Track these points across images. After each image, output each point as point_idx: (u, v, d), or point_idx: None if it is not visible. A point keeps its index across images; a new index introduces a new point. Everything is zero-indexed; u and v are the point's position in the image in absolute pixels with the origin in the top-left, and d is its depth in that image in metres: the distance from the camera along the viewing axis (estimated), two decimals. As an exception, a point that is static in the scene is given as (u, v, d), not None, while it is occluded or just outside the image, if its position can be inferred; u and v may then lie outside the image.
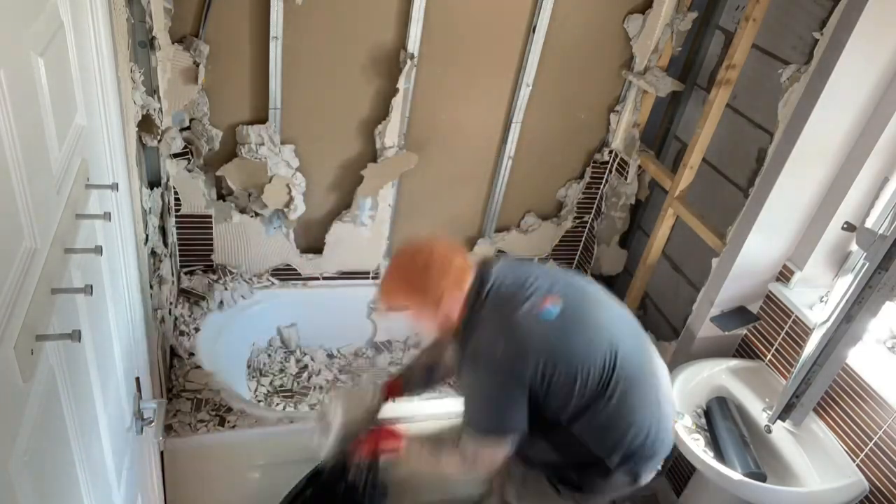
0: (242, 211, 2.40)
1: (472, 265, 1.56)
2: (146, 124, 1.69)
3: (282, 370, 2.59)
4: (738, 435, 1.90)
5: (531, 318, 1.48)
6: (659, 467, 1.65)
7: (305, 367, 2.64)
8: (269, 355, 2.62)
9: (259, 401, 2.47)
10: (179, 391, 2.05)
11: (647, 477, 1.64)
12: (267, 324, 2.60)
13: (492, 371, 1.48)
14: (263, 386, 2.53)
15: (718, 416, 1.96)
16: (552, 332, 1.47)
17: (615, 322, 1.58)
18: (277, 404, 2.48)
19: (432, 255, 1.53)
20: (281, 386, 2.55)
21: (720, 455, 1.87)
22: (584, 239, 2.94)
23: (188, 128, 2.19)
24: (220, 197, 2.37)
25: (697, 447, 1.88)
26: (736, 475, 1.78)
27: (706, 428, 1.98)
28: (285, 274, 2.60)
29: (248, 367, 2.55)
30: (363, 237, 2.59)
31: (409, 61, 2.22)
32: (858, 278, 1.65)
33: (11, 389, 0.71)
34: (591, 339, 1.50)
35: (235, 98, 2.20)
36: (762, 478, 1.80)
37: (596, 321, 1.54)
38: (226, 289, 2.45)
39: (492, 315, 1.50)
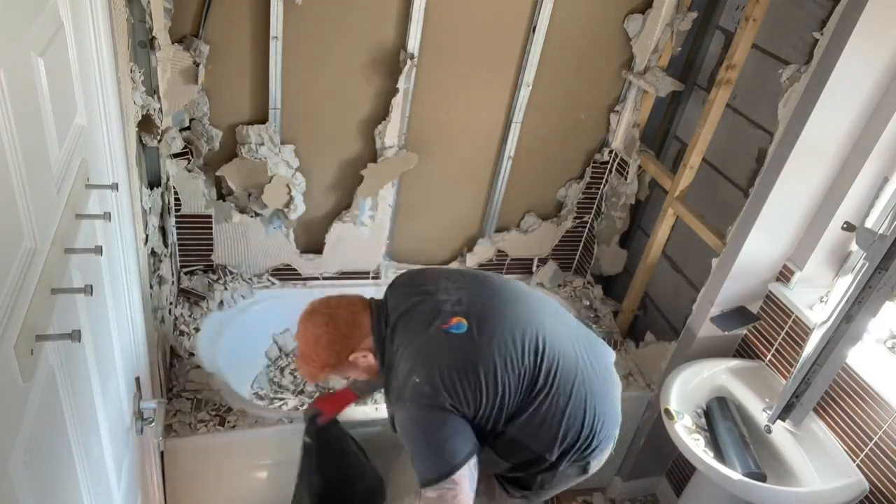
0: (242, 211, 2.40)
1: (364, 310, 1.55)
2: (146, 124, 1.69)
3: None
4: (738, 435, 1.90)
5: (441, 339, 1.45)
6: (608, 452, 1.65)
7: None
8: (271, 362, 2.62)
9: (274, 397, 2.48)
10: (179, 391, 2.05)
11: (597, 465, 1.64)
12: (267, 324, 2.59)
13: (421, 410, 1.43)
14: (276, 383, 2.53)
15: (718, 416, 1.96)
16: (466, 346, 1.45)
17: (533, 316, 1.56)
18: (282, 403, 2.48)
19: (316, 326, 1.52)
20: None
21: (720, 455, 1.87)
22: (584, 239, 2.94)
23: (188, 128, 2.19)
24: (220, 197, 2.37)
25: (698, 447, 1.88)
26: (736, 475, 1.78)
27: (706, 428, 1.98)
28: (285, 274, 2.60)
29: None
30: (363, 237, 2.59)
31: (409, 61, 2.22)
32: (858, 278, 1.66)
33: (11, 389, 0.71)
34: (507, 341, 1.47)
35: (235, 98, 2.20)
36: (762, 478, 1.80)
37: (510, 323, 1.51)
38: (226, 289, 2.45)
39: (402, 350, 1.48)
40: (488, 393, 1.45)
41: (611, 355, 1.71)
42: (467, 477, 1.43)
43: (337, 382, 2.46)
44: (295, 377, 2.58)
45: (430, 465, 1.43)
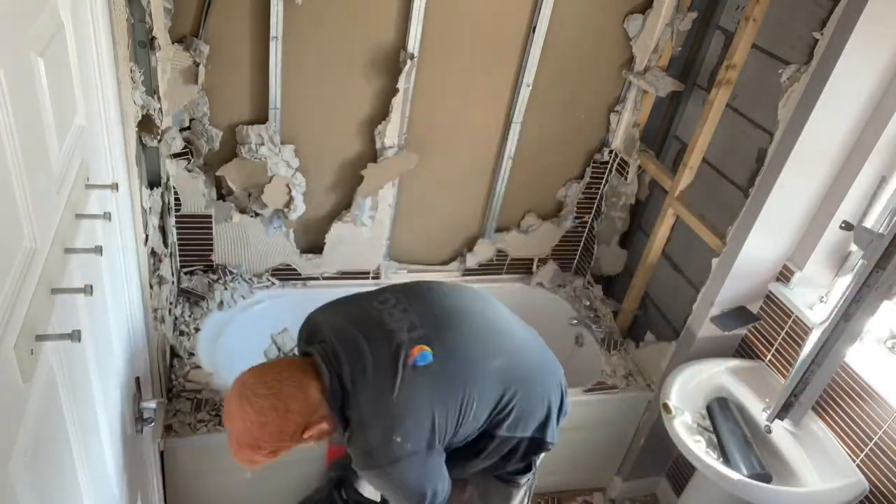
0: (242, 211, 2.40)
1: (308, 377, 1.33)
2: (146, 124, 1.69)
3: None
4: (740, 435, 1.90)
5: (411, 379, 1.32)
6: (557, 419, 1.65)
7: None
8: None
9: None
10: (179, 391, 2.05)
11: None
12: (267, 324, 2.59)
13: (401, 463, 1.32)
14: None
15: (720, 417, 1.96)
16: (438, 380, 1.35)
17: (487, 332, 1.51)
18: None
19: (256, 412, 1.27)
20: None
21: (725, 456, 1.87)
22: (584, 239, 2.94)
23: (188, 128, 2.19)
24: (220, 197, 2.37)
25: (699, 448, 1.88)
26: (736, 475, 1.78)
27: (711, 429, 1.97)
28: (285, 274, 2.60)
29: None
30: (363, 237, 2.59)
31: (409, 61, 2.22)
32: (856, 278, 1.66)
33: (11, 389, 0.71)
34: (473, 358, 1.42)
35: (235, 98, 2.20)
36: (767, 478, 1.80)
37: (468, 338, 1.44)
38: (226, 289, 2.45)
39: (372, 406, 1.33)
40: (469, 415, 1.41)
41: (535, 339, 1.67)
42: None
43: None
44: None
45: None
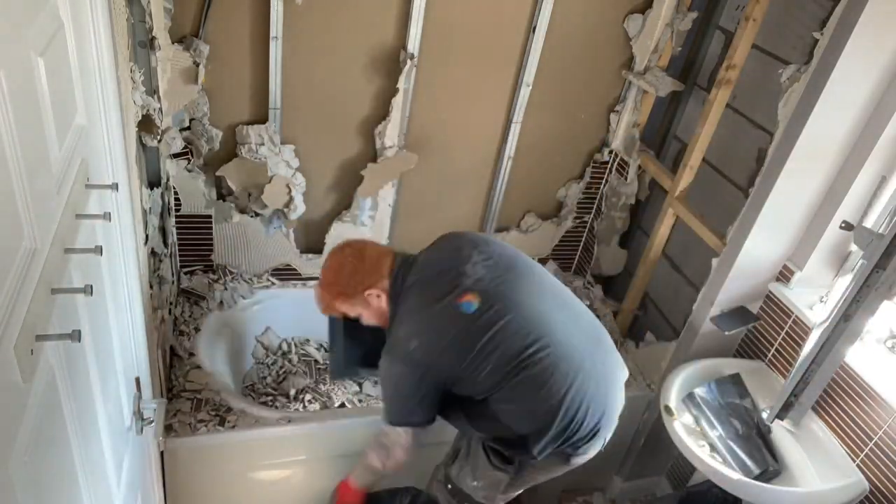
0: (242, 211, 2.40)
1: (390, 255, 1.63)
2: (146, 124, 1.69)
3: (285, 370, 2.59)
4: (748, 431, 1.90)
5: (447, 314, 1.51)
6: (596, 450, 1.67)
7: (310, 359, 2.64)
8: (263, 363, 2.61)
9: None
10: (179, 391, 2.05)
11: (581, 459, 1.65)
12: (267, 324, 2.59)
13: (405, 368, 1.54)
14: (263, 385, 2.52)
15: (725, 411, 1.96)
16: (469, 328, 1.50)
17: (547, 314, 1.58)
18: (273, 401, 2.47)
19: (343, 257, 1.64)
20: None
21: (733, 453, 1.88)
22: (584, 239, 2.94)
23: (188, 128, 2.19)
24: (220, 197, 2.37)
25: (701, 450, 1.88)
26: (736, 475, 1.78)
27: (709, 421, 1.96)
28: (285, 274, 2.60)
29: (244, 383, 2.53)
30: (363, 237, 2.59)
31: (409, 61, 2.22)
32: (856, 277, 1.66)
33: (11, 389, 0.71)
34: (510, 332, 1.51)
35: (235, 98, 2.20)
36: (776, 474, 1.80)
37: (520, 315, 1.53)
38: (226, 289, 2.45)
39: (411, 309, 1.56)
40: (472, 370, 1.52)
41: (620, 369, 1.70)
42: (413, 435, 1.62)
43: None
44: (280, 375, 2.56)
45: (394, 413, 1.62)
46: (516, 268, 1.63)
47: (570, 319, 1.63)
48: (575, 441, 1.59)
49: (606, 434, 1.65)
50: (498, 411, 1.58)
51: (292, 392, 2.45)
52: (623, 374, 1.70)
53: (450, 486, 1.81)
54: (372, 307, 1.63)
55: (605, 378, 1.63)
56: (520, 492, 1.82)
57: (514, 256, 1.68)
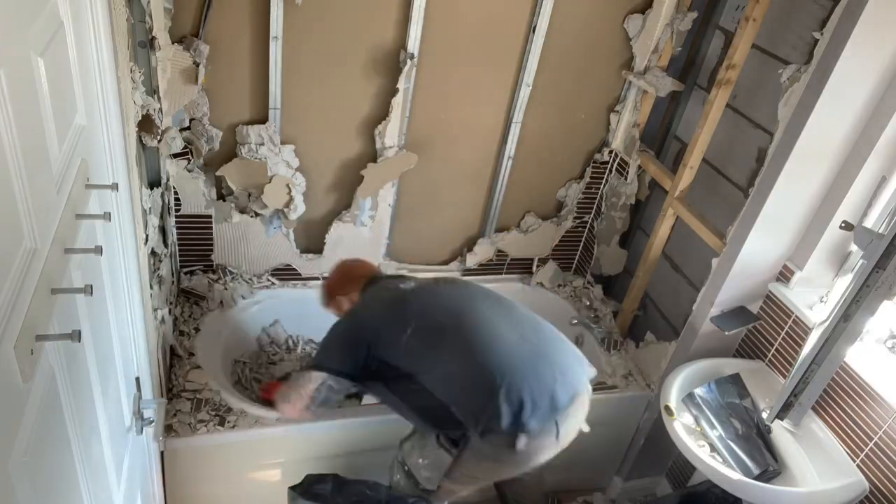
0: (242, 211, 2.40)
1: (369, 277, 2.02)
2: (146, 124, 1.69)
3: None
4: (746, 428, 1.90)
5: (389, 290, 1.91)
6: (546, 438, 1.68)
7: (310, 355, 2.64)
8: (265, 353, 2.60)
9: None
10: (179, 391, 2.05)
11: (526, 443, 1.65)
12: (267, 324, 2.59)
13: (345, 318, 1.90)
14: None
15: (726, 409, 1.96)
16: (403, 296, 1.85)
17: (476, 304, 1.82)
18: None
19: (344, 267, 2.11)
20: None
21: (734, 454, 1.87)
22: (584, 239, 2.94)
23: (188, 128, 2.19)
24: (220, 197, 2.37)
25: (701, 450, 1.88)
26: (736, 475, 1.78)
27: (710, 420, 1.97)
28: (285, 274, 2.60)
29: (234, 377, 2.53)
30: (363, 237, 2.59)
31: (409, 61, 2.22)
32: (856, 277, 1.66)
33: (11, 389, 0.71)
34: (436, 306, 1.83)
35: (235, 98, 2.20)
36: (776, 474, 1.80)
37: (445, 300, 1.85)
38: (226, 289, 2.45)
39: (365, 300, 1.95)
40: (395, 341, 1.75)
41: (562, 354, 1.80)
42: (320, 382, 1.77)
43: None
44: (267, 371, 2.56)
45: (317, 355, 1.88)
46: (458, 284, 2.04)
47: (501, 311, 1.82)
48: (504, 418, 1.62)
49: (548, 426, 1.66)
50: (429, 387, 1.71)
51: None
52: (569, 359, 1.79)
53: (401, 460, 1.97)
54: (342, 307, 2.00)
55: (541, 357, 1.73)
56: (469, 491, 1.86)
57: (463, 285, 2.03)
